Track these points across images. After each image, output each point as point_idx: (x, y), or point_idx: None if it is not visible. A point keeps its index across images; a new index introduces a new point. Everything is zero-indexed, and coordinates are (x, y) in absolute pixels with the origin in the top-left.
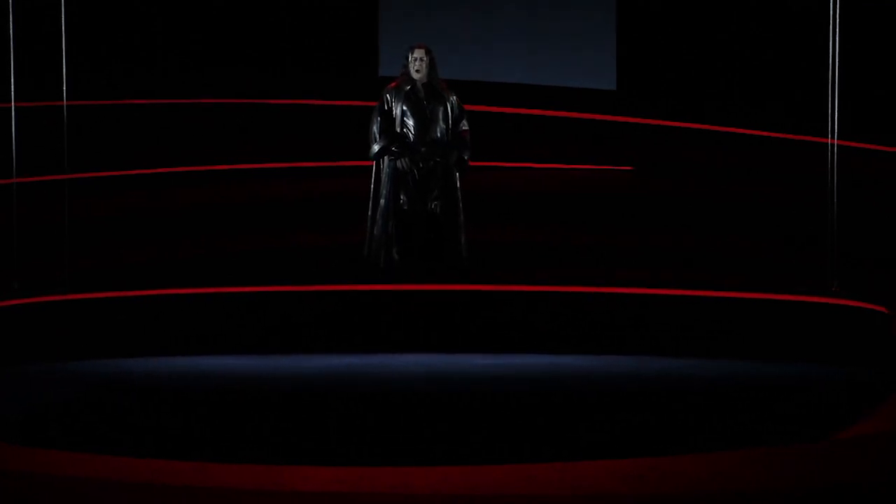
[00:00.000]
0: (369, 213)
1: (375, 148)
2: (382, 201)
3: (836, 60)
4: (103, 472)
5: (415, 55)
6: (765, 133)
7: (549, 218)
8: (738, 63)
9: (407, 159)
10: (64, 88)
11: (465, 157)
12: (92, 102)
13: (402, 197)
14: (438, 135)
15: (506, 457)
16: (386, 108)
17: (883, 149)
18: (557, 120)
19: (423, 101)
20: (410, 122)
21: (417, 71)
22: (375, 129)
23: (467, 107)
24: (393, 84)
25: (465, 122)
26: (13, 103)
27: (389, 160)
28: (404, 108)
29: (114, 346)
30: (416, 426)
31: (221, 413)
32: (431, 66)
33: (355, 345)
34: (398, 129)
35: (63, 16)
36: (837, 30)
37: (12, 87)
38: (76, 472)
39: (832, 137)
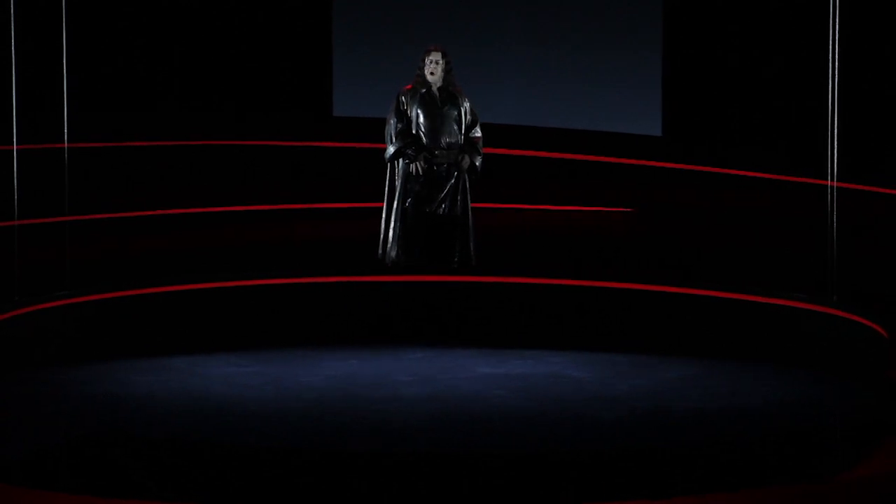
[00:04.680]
0: (383, 214)
1: (391, 150)
2: (395, 203)
3: (836, 113)
4: None
5: (430, 57)
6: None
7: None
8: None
9: (421, 162)
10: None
11: (477, 164)
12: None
13: (408, 199)
14: (451, 138)
15: (505, 498)
16: (401, 109)
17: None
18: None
19: (437, 103)
20: (423, 125)
21: (432, 73)
22: (391, 131)
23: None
24: (408, 87)
25: (478, 128)
26: (14, 146)
27: (404, 162)
28: (418, 110)
29: (114, 347)
30: (415, 470)
31: (222, 455)
32: (447, 70)
33: (356, 339)
34: (413, 131)
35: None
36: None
37: (14, 129)
38: None
39: (832, 180)
